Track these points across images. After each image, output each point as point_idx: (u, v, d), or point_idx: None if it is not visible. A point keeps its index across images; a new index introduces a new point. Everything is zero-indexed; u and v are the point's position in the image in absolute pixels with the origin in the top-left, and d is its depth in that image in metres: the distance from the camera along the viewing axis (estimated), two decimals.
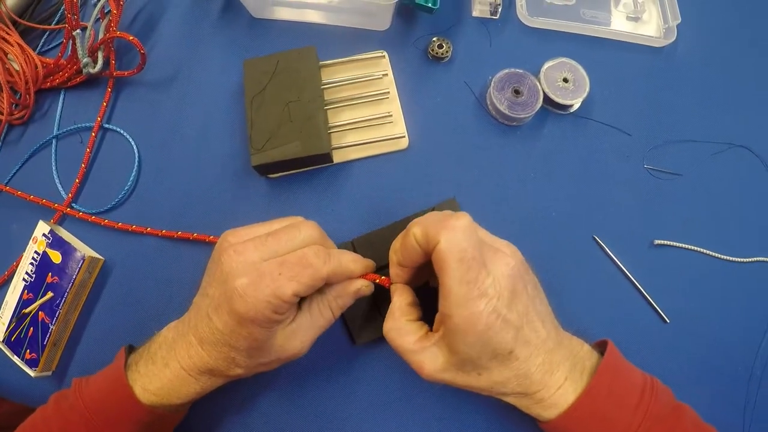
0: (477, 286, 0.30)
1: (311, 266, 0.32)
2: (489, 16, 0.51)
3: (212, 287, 0.33)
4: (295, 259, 0.32)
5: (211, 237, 0.44)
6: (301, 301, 0.35)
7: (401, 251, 0.34)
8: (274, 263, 0.31)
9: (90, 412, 0.35)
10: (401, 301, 0.35)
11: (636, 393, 0.33)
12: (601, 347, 0.36)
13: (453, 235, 0.30)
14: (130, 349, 0.38)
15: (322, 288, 0.35)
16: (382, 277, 0.37)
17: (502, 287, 0.31)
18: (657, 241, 0.45)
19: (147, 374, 0.35)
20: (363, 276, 0.36)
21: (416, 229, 0.32)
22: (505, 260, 0.32)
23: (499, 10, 0.50)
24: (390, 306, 0.35)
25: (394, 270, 0.36)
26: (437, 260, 0.30)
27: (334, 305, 0.36)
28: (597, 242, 0.45)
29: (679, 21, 0.50)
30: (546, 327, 0.33)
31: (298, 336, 0.35)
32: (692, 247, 0.45)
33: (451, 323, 0.30)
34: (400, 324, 0.34)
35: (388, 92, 0.47)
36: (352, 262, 0.35)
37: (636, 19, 0.51)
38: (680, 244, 0.45)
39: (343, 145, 0.45)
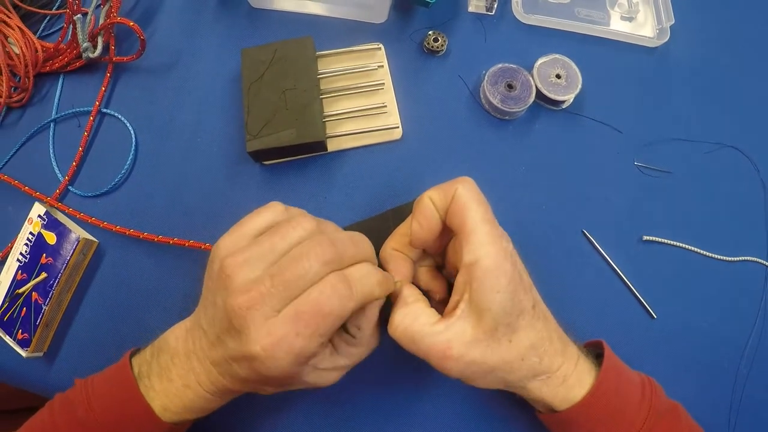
0: (496, 225, 0.31)
1: (330, 314, 0.28)
2: (484, 12, 0.52)
3: (224, 334, 0.30)
4: (311, 309, 0.28)
5: (206, 245, 0.43)
6: (333, 342, 0.33)
7: (418, 219, 0.33)
8: (288, 321, 0.27)
9: (104, 429, 0.33)
10: (413, 290, 0.34)
11: (637, 389, 0.34)
12: (591, 347, 0.37)
13: (468, 183, 0.32)
14: (134, 352, 0.36)
15: (352, 330, 0.33)
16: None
17: (509, 239, 0.32)
18: (646, 237, 0.46)
19: (165, 393, 0.33)
20: None
21: (430, 192, 0.33)
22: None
23: (495, 6, 0.51)
24: (399, 298, 0.33)
25: (392, 266, 0.35)
26: (457, 207, 0.31)
27: (374, 342, 0.34)
28: (586, 237, 0.46)
29: (673, 22, 0.50)
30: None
31: (331, 375, 0.32)
32: (680, 244, 0.46)
33: (481, 268, 0.29)
34: (417, 309, 0.32)
35: (383, 83, 0.47)
36: (378, 285, 0.31)
37: (630, 19, 0.52)
38: (668, 241, 0.46)
39: (338, 134, 0.46)
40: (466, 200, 0.31)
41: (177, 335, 0.34)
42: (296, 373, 0.29)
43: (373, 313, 0.33)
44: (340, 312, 0.28)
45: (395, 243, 0.35)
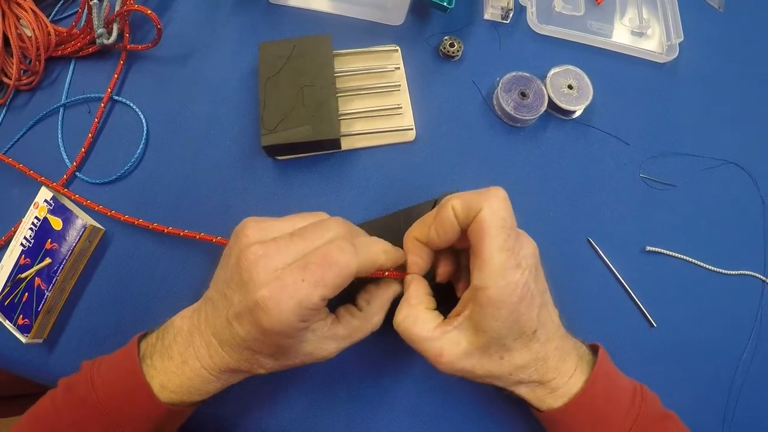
0: (514, 255, 0.30)
1: (336, 264, 0.29)
2: (500, 20, 0.53)
3: (231, 289, 0.31)
4: (318, 260, 0.29)
5: (218, 238, 0.42)
6: (337, 313, 0.34)
7: (436, 227, 0.33)
8: (296, 268, 0.29)
9: (104, 407, 0.33)
10: (419, 290, 0.34)
11: (627, 396, 0.34)
12: (592, 350, 0.38)
13: (495, 203, 0.30)
14: (141, 336, 0.36)
15: (361, 303, 0.35)
16: (400, 272, 0.36)
17: (530, 263, 0.31)
18: (648, 248, 0.47)
19: (164, 371, 0.33)
20: (386, 273, 0.35)
21: (455, 202, 0.31)
22: (528, 239, 0.33)
23: (511, 15, 0.52)
24: (404, 296, 0.34)
25: (411, 258, 0.35)
26: (477, 229, 0.30)
27: (376, 321, 0.35)
28: (591, 244, 0.47)
29: (682, 39, 0.52)
30: (555, 313, 0.34)
31: (330, 345, 0.33)
32: (682, 256, 0.47)
33: (485, 296, 0.30)
34: (418, 312, 0.33)
35: (399, 85, 0.48)
36: (383, 252, 0.33)
37: (640, 35, 0.53)
38: (670, 252, 0.47)
39: (352, 132, 0.46)
40: (488, 225, 0.30)
41: (183, 315, 0.35)
42: (296, 330, 0.30)
43: (386, 294, 0.35)
44: (344, 265, 0.29)
45: (418, 232, 0.35)
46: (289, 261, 0.29)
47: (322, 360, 0.33)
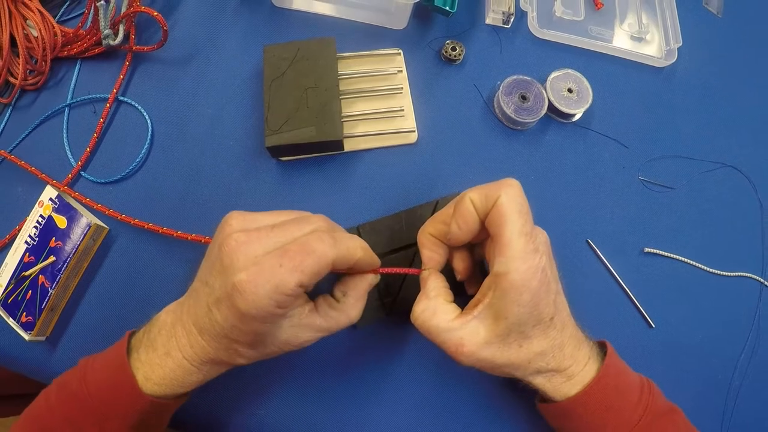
0: (532, 239, 0.31)
1: (314, 252, 0.30)
2: (501, 25, 0.53)
3: (212, 277, 0.32)
4: (297, 247, 0.30)
5: None
6: (315, 302, 0.35)
7: (457, 220, 0.33)
8: (274, 255, 0.30)
9: (94, 400, 0.33)
10: (438, 282, 0.35)
11: (636, 389, 0.35)
12: (599, 346, 0.38)
13: (511, 191, 0.32)
14: (133, 332, 0.37)
15: (337, 294, 0.35)
16: (412, 268, 0.36)
17: (545, 249, 0.32)
18: (647, 249, 0.47)
19: (148, 362, 0.34)
20: (390, 269, 0.36)
21: (472, 194, 0.33)
22: (539, 228, 0.34)
23: (512, 20, 0.53)
24: (424, 289, 0.35)
25: (427, 254, 0.36)
26: (496, 216, 0.31)
27: (354, 314, 0.35)
28: (590, 246, 0.47)
29: (680, 44, 0.52)
30: (566, 302, 0.35)
31: (306, 334, 0.34)
32: (680, 258, 0.47)
33: (507, 281, 0.30)
34: (437, 304, 0.33)
35: (401, 88, 0.49)
36: (360, 249, 0.33)
37: (639, 40, 0.54)
38: (669, 254, 0.47)
39: (355, 134, 0.47)
40: (507, 210, 0.31)
41: (168, 309, 0.36)
42: (272, 316, 0.30)
43: (361, 285, 0.35)
44: (322, 254, 0.30)
45: (433, 229, 0.36)
46: (269, 249, 0.30)
47: (299, 348, 0.34)
